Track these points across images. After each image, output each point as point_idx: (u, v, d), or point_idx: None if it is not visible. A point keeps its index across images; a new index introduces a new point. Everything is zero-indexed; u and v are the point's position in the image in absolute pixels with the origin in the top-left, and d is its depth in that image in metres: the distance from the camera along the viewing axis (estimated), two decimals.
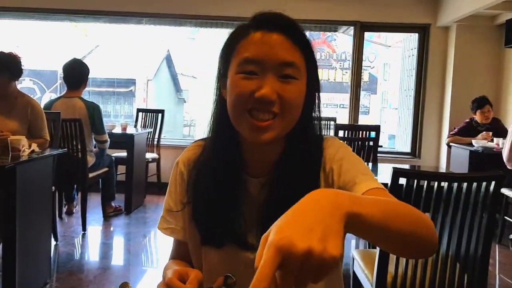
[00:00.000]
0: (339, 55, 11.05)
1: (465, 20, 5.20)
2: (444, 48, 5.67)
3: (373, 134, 4.67)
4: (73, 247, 3.84)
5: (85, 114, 4.07)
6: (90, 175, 4.11)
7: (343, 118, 6.33)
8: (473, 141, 4.57)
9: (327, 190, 0.66)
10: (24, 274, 2.68)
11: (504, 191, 3.94)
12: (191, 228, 1.06)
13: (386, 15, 5.62)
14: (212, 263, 1.03)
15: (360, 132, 4.79)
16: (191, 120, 11.50)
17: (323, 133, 1.06)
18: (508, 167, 3.95)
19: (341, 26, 6.00)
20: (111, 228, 4.39)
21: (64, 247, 3.76)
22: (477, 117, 4.92)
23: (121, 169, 4.97)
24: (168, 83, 11.50)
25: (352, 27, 5.78)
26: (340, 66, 11.02)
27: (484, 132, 4.75)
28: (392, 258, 1.94)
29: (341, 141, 1.06)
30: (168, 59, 11.32)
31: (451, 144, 5.02)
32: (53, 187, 3.36)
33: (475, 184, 1.85)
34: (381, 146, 4.86)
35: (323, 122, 1.04)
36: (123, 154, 4.87)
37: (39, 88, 9.86)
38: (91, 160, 4.16)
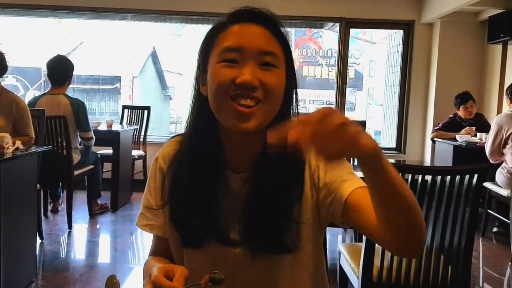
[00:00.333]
0: (325, 52, 11.08)
1: (448, 16, 5.26)
2: (428, 44, 5.73)
3: None
4: (58, 245, 3.81)
5: (70, 111, 4.03)
6: (76, 172, 4.08)
7: None
8: (457, 136, 4.63)
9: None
10: (9, 272, 2.66)
11: (487, 184, 4.01)
12: (171, 229, 1.04)
13: (371, 12, 5.65)
14: (196, 264, 1.02)
15: None
16: (177, 117, 11.44)
17: None
18: (491, 161, 4.03)
19: (326, 23, 6.03)
20: (97, 226, 4.36)
21: (49, 245, 3.73)
22: (461, 113, 4.99)
23: (107, 166, 4.94)
24: (153, 80, 11.42)
25: (337, 24, 5.81)
26: (326, 63, 11.05)
27: (468, 127, 4.82)
28: (378, 251, 1.97)
29: None
30: (154, 56, 11.24)
31: (435, 139, 5.08)
32: (38, 185, 3.33)
33: (458, 177, 1.88)
34: None
35: None
36: (109, 151, 4.83)
37: (23, 85, 9.72)
38: (76, 157, 4.13)
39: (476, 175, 1.87)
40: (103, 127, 4.83)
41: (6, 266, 2.61)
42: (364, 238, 1.97)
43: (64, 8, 5.78)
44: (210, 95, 0.95)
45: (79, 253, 3.73)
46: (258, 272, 1.02)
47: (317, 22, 6.03)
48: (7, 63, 3.31)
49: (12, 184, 2.70)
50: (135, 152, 5.34)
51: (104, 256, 3.71)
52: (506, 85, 4.33)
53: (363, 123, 4.72)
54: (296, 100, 1.02)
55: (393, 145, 6.03)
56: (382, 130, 6.81)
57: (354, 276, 2.10)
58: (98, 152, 4.69)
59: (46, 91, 4.25)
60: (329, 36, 9.93)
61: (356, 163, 0.98)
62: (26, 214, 2.93)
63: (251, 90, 0.91)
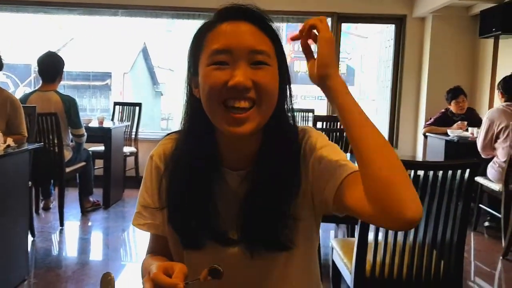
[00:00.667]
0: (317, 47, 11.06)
1: (440, 10, 5.28)
2: (420, 39, 5.74)
3: None
4: (50, 242, 3.79)
5: (61, 108, 4.00)
6: (67, 169, 4.06)
7: (321, 110, 6.37)
8: (449, 131, 4.65)
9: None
10: (1, 270, 2.64)
11: (479, 179, 4.03)
12: (170, 230, 1.03)
13: (363, 6, 5.66)
14: (196, 265, 1.00)
15: (338, 123, 4.81)
16: (169, 113, 11.40)
17: (301, 124, 1.07)
18: (483, 156, 4.04)
19: None
20: (89, 223, 4.34)
21: (41, 243, 3.70)
22: (452, 108, 5.01)
23: (99, 163, 4.92)
24: (144, 76, 11.37)
25: (329, 18, 5.80)
26: None
27: (460, 122, 4.84)
28: (371, 246, 1.97)
29: (317, 130, 1.07)
30: (145, 52, 11.18)
31: (427, 134, 5.10)
32: (30, 182, 3.30)
33: (450, 172, 1.88)
34: None
35: (301, 114, 1.06)
36: (101, 148, 4.81)
37: (13, 82, 9.63)
38: (68, 154, 4.10)
39: (468, 170, 1.87)
40: (94, 123, 4.80)
41: None
42: (356, 233, 1.98)
43: (55, 4, 5.73)
44: (202, 99, 0.94)
45: (71, 250, 3.71)
46: (255, 270, 1.02)
47: (308, 17, 6.01)
48: (3, 60, 3.28)
49: (3, 182, 2.68)
50: (127, 149, 5.32)
51: (96, 253, 3.69)
52: (498, 80, 4.35)
53: None
54: (290, 96, 1.00)
55: None
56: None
57: (347, 271, 2.10)
58: (89, 149, 4.66)
59: (36, 88, 4.22)
60: None
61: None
62: (18, 212, 2.91)
63: (245, 92, 0.89)
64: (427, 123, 5.21)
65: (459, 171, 1.88)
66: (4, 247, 2.69)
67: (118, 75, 10.55)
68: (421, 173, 1.90)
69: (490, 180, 3.96)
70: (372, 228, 1.96)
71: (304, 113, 6.04)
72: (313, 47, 0.95)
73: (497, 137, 3.90)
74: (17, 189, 2.89)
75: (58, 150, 3.92)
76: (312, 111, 6.04)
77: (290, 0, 5.58)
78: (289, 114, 1.01)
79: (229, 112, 0.90)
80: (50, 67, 4.10)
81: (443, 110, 5.11)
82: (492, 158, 3.98)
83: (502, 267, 3.49)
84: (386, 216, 0.82)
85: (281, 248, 0.99)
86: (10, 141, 2.86)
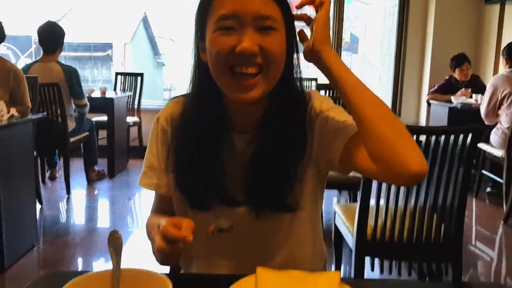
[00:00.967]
0: None
1: None
2: (424, 5, 5.65)
3: None
4: (58, 210, 3.85)
5: (62, 78, 3.99)
6: (71, 140, 4.08)
7: (324, 78, 6.29)
8: (452, 98, 4.63)
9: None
10: (11, 237, 2.70)
11: (481, 145, 4.04)
12: (176, 194, 1.05)
13: None
14: (202, 224, 1.04)
15: None
16: (171, 84, 11.35)
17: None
18: (486, 123, 4.04)
19: None
20: (95, 192, 4.40)
21: (49, 211, 3.77)
22: (456, 75, 4.97)
23: (102, 134, 4.94)
24: (146, 46, 11.27)
25: None
26: None
27: (463, 89, 4.80)
28: (372, 211, 2.00)
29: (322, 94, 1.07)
30: (145, 22, 11.05)
31: (430, 101, 5.08)
32: (35, 152, 3.33)
33: (452, 137, 1.89)
34: None
35: (305, 83, 1.07)
36: (104, 118, 4.82)
37: (13, 54, 9.58)
38: (71, 125, 4.12)
39: (470, 135, 1.88)
40: (96, 94, 4.80)
41: (8, 231, 2.65)
42: (358, 198, 2.00)
43: None
44: (209, 64, 0.94)
45: (78, 218, 3.77)
46: (260, 231, 1.04)
47: None
48: (5, 31, 3.26)
49: (9, 151, 2.71)
50: (130, 119, 5.33)
51: (103, 220, 3.75)
52: (503, 46, 4.30)
53: None
54: (298, 65, 1.01)
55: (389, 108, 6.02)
56: (378, 93, 6.74)
57: (349, 234, 2.14)
58: (92, 119, 4.67)
59: (37, 58, 4.20)
60: None
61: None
62: (24, 181, 2.95)
63: (252, 57, 0.90)
64: (431, 90, 5.18)
65: (461, 136, 1.88)
66: (13, 215, 2.74)
67: (119, 45, 10.46)
68: (423, 138, 1.90)
69: (493, 147, 3.97)
70: (373, 193, 1.99)
71: (308, 81, 6.01)
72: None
73: (501, 104, 3.88)
74: (22, 159, 2.92)
75: (62, 120, 3.94)
76: (315, 79, 6.00)
77: None
78: (297, 76, 1.01)
79: (236, 78, 0.91)
80: (50, 36, 4.07)
81: (447, 78, 5.08)
82: (496, 125, 3.98)
83: (503, 232, 3.54)
84: (391, 173, 0.85)
85: (286, 210, 1.01)
86: (13, 111, 2.87)
